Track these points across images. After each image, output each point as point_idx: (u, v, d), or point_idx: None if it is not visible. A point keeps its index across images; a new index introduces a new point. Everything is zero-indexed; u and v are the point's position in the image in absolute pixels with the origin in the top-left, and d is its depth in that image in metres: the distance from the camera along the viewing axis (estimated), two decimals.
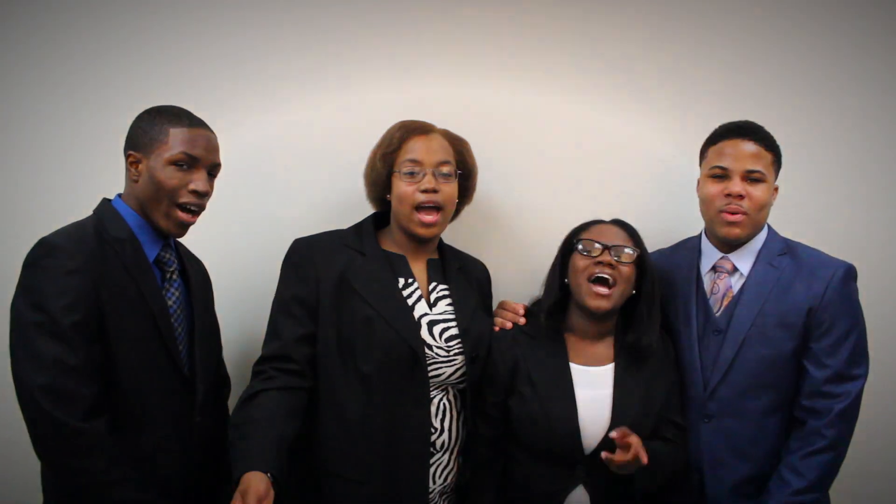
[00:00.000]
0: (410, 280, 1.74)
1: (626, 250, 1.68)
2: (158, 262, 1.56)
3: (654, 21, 2.10)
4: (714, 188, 1.75)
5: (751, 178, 1.73)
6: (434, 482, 1.69)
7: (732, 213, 1.73)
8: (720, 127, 1.82)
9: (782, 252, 1.79)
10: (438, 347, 1.69)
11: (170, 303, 1.55)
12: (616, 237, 1.71)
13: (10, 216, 1.92)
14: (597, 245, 1.68)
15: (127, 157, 1.54)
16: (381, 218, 1.81)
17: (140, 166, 1.52)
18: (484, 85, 2.06)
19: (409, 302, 1.71)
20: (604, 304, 1.67)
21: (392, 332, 1.63)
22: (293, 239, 1.75)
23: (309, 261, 1.68)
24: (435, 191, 1.69)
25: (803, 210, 2.07)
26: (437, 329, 1.70)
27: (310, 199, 2.01)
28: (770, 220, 1.85)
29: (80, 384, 1.37)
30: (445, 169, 1.72)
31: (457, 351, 1.71)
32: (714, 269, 1.81)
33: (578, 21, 2.08)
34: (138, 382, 1.47)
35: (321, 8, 2.01)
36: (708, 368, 1.75)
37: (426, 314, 1.71)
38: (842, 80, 2.12)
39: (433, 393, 1.68)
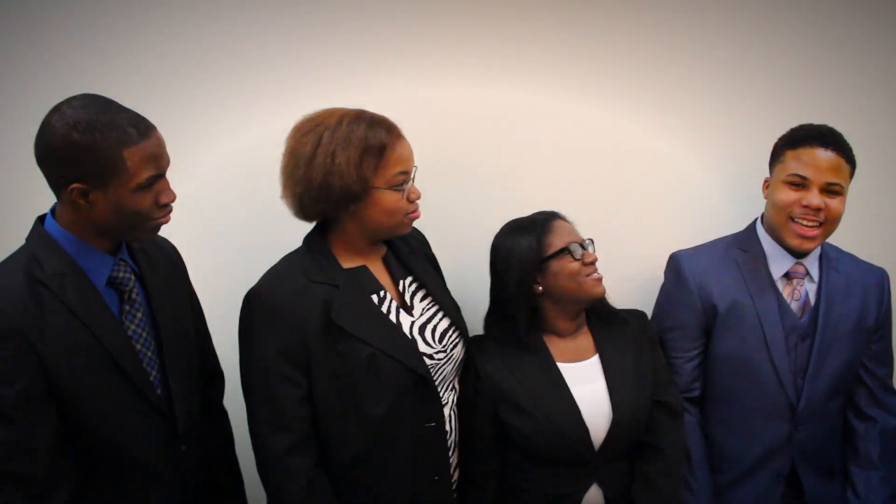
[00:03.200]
0: (382, 293, 1.57)
1: (589, 243, 1.68)
2: (113, 284, 1.36)
3: (656, 20, 2.10)
4: (790, 196, 1.70)
5: (829, 190, 1.67)
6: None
7: (809, 227, 1.68)
8: (800, 129, 1.75)
9: (836, 257, 1.81)
10: (438, 352, 1.58)
11: (132, 327, 1.37)
12: (571, 230, 1.69)
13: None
14: (577, 245, 1.65)
15: (65, 188, 1.27)
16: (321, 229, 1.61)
17: (92, 196, 1.27)
18: (489, 84, 2.05)
19: (392, 318, 1.55)
20: (602, 289, 1.68)
21: (399, 366, 1.49)
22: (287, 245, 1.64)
23: (282, 309, 1.46)
24: (418, 197, 1.57)
25: None
26: (427, 333, 1.59)
27: None
28: None
29: (30, 464, 1.23)
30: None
31: (453, 342, 1.63)
32: (787, 275, 1.77)
33: (579, 20, 2.08)
34: (110, 429, 1.33)
35: (321, 7, 2.01)
36: (798, 376, 1.73)
37: (412, 322, 1.58)
38: (849, 78, 2.13)
39: (444, 398, 1.59)
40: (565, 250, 1.62)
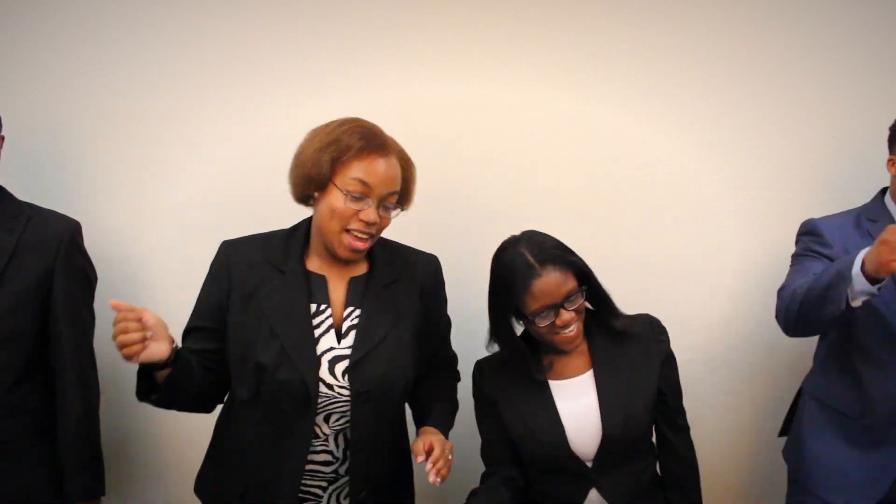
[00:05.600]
0: (324, 307, 1.58)
1: (575, 295, 1.62)
2: None
3: (656, 20, 2.10)
4: None
5: None
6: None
7: None
8: None
9: None
10: (341, 387, 1.55)
11: None
12: (559, 286, 1.60)
13: None
14: (549, 311, 1.60)
15: None
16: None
17: None
18: (492, 82, 2.06)
19: (317, 333, 1.56)
20: (575, 344, 1.66)
21: (291, 369, 1.52)
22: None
23: (226, 269, 1.59)
24: (374, 224, 1.53)
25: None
26: (340, 366, 1.55)
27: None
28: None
29: None
30: (391, 201, 1.56)
31: (363, 383, 1.56)
32: None
33: (580, 20, 2.09)
34: None
35: (323, 6, 2.02)
36: None
37: (332, 348, 1.56)
38: (851, 76, 2.13)
39: (330, 429, 1.57)
40: (536, 314, 1.61)
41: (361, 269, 1.64)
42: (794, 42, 2.12)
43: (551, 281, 1.59)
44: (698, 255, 2.12)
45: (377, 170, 1.52)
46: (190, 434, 1.96)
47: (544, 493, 1.72)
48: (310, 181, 1.55)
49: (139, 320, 1.33)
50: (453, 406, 1.79)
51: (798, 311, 1.71)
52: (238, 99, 1.97)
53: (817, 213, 1.96)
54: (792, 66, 2.13)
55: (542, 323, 1.60)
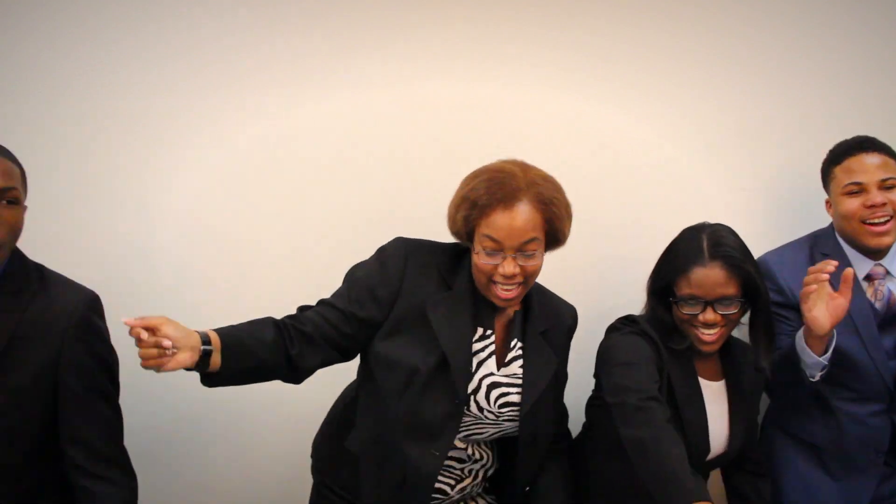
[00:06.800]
0: (489, 332, 1.61)
1: (731, 302, 1.57)
2: None
3: (656, 20, 2.10)
4: (853, 203, 1.82)
5: (885, 185, 1.81)
6: (470, 483, 1.68)
7: (881, 224, 1.80)
8: (837, 147, 1.89)
9: None
10: (489, 411, 1.59)
11: None
12: (717, 285, 1.56)
13: None
14: (697, 302, 1.57)
15: None
16: None
17: None
18: (492, 82, 2.06)
19: (481, 357, 1.59)
20: (712, 349, 1.62)
21: (444, 377, 1.54)
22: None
23: (399, 267, 1.57)
24: (514, 275, 1.50)
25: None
26: (495, 393, 1.59)
27: (325, 200, 2.01)
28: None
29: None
30: (531, 248, 1.50)
31: (508, 418, 1.61)
32: (869, 276, 1.86)
33: (580, 20, 2.09)
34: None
35: (323, 6, 2.02)
36: (889, 361, 1.82)
37: (491, 374, 1.60)
38: (851, 76, 2.13)
39: (464, 444, 1.62)
40: (683, 300, 1.59)
41: (519, 304, 1.64)
42: (794, 42, 2.12)
43: (711, 275, 1.57)
44: None
45: (503, 225, 1.48)
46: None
47: (611, 483, 1.68)
48: (459, 238, 1.58)
49: (153, 330, 1.27)
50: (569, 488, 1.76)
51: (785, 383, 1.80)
52: (238, 99, 1.97)
53: (816, 214, 1.97)
54: (792, 66, 2.13)
55: (686, 310, 1.58)
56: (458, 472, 1.65)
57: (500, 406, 1.60)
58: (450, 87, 2.05)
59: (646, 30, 2.09)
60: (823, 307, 1.62)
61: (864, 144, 1.85)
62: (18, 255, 1.45)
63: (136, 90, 1.94)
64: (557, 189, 1.55)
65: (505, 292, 1.52)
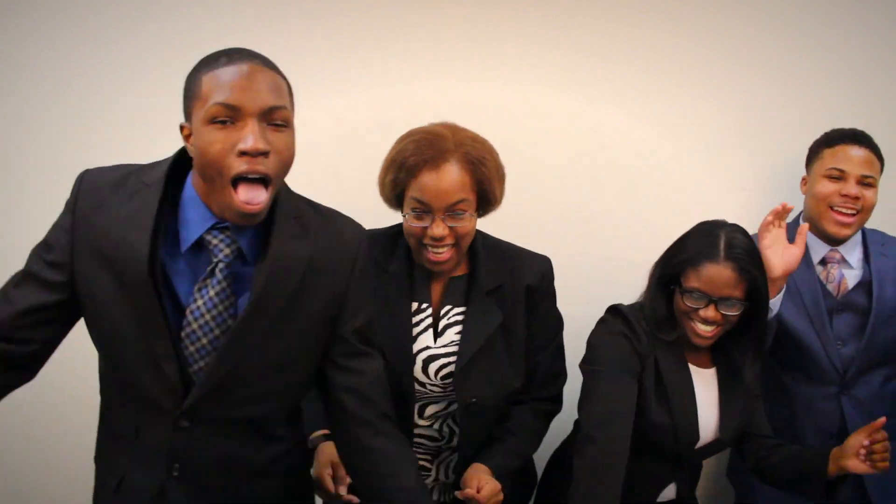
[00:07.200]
0: (425, 305, 1.59)
1: (734, 304, 1.57)
2: (202, 247, 1.20)
3: (656, 20, 2.10)
4: (830, 187, 1.88)
5: (864, 182, 1.87)
6: (447, 477, 1.68)
7: (847, 215, 1.86)
8: (835, 131, 1.94)
9: (883, 242, 1.96)
10: (433, 385, 1.58)
11: (198, 303, 1.19)
12: (725, 285, 1.55)
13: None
14: (702, 297, 1.57)
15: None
16: None
17: (185, 131, 1.18)
18: (492, 82, 2.07)
19: (416, 331, 1.58)
20: (704, 343, 1.62)
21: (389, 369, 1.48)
22: None
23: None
24: (443, 237, 1.48)
25: None
26: (433, 366, 1.57)
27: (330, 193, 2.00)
28: None
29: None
30: (460, 208, 1.49)
31: (452, 384, 1.58)
32: (824, 260, 1.93)
33: (580, 20, 2.09)
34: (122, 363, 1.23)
35: (323, 6, 2.02)
36: (840, 346, 1.88)
37: (428, 347, 1.58)
38: (851, 76, 2.13)
39: (428, 421, 1.62)
40: (688, 292, 1.59)
41: (462, 269, 1.62)
42: (794, 42, 2.12)
43: (722, 274, 1.56)
44: None
45: (431, 185, 1.47)
46: None
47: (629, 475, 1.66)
48: (389, 203, 1.57)
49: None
50: (529, 446, 1.69)
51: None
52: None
53: None
54: (792, 66, 2.13)
55: (689, 303, 1.58)
56: (434, 449, 1.66)
57: (443, 378, 1.58)
58: (450, 87, 2.05)
59: (646, 30, 2.09)
60: (780, 250, 1.71)
61: (858, 137, 1.91)
62: (286, 191, 1.28)
63: (136, 90, 1.94)
64: (489, 150, 1.54)
65: (436, 255, 1.50)
